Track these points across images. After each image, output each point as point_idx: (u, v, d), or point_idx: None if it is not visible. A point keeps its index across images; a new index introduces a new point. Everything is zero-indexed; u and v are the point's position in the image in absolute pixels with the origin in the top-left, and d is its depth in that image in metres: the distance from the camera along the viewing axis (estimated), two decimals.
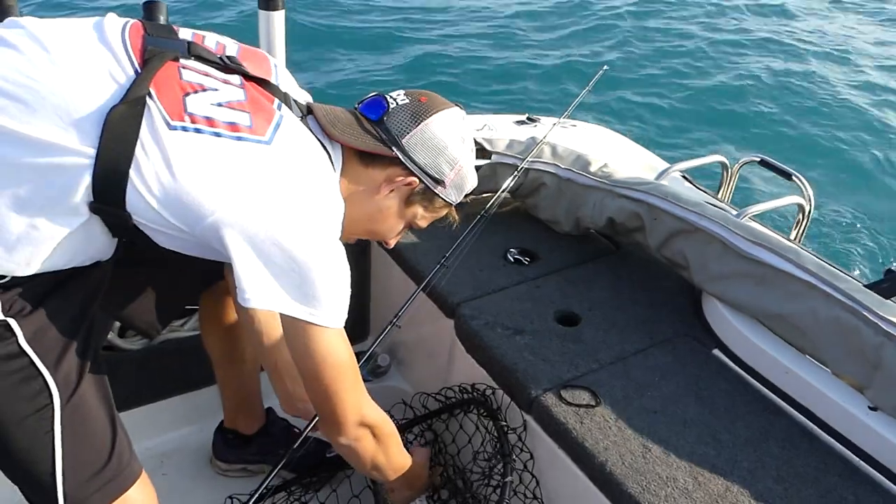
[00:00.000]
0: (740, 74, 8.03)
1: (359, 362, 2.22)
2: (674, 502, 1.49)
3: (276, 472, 1.66)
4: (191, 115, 1.17)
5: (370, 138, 1.38)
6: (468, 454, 1.90)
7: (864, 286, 1.84)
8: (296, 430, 2.06)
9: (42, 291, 1.24)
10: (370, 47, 7.97)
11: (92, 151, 1.12)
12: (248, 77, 1.30)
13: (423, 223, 1.54)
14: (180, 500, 2.02)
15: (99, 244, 1.26)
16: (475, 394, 1.90)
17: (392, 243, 1.59)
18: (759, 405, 1.77)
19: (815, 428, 1.72)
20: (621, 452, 1.59)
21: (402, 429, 1.96)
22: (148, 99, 1.15)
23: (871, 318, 1.69)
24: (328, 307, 1.24)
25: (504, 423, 1.80)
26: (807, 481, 1.56)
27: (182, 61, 1.23)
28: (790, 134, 6.85)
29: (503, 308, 2.01)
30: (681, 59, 8.35)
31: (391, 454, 1.55)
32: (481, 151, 2.39)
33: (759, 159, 2.81)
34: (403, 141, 1.39)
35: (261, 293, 1.19)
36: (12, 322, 1.21)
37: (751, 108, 7.25)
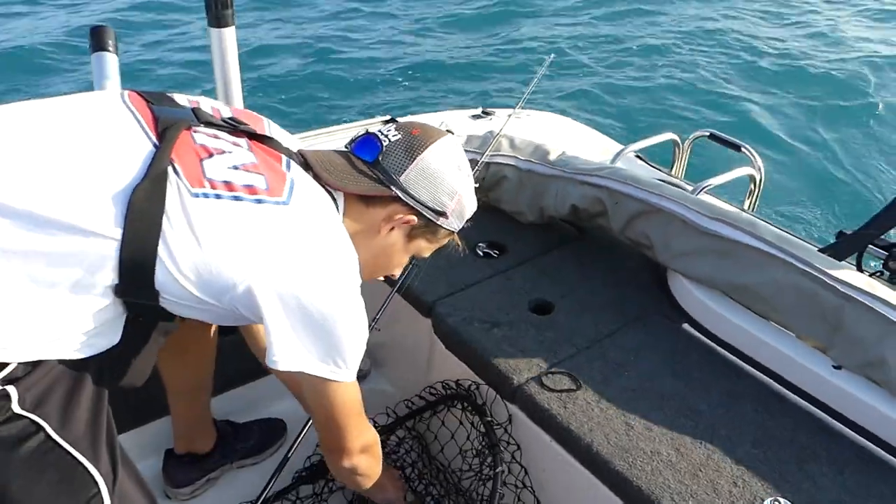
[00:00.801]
0: (684, 54, 8.19)
1: None
2: (659, 475, 1.56)
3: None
4: (210, 180, 1.16)
5: (368, 181, 1.37)
6: (454, 450, 1.95)
7: (819, 250, 1.93)
8: (231, 421, 2.17)
9: (57, 376, 1.16)
10: (316, 54, 7.95)
11: (118, 232, 1.09)
12: (251, 137, 1.30)
13: (426, 254, 1.54)
14: None
15: (111, 326, 1.20)
16: (460, 390, 1.94)
17: (397, 274, 1.60)
18: (731, 373, 1.85)
19: (785, 391, 1.80)
20: (605, 432, 1.66)
21: (388, 430, 2.00)
22: (170, 170, 1.13)
23: (828, 282, 1.77)
24: (349, 363, 1.28)
25: (490, 419, 1.85)
26: (782, 443, 1.65)
27: (194, 128, 1.23)
28: (737, 106, 7.01)
29: (478, 302, 2.06)
30: (626, 44, 8.48)
31: (378, 467, 1.60)
32: None
33: (708, 134, 2.90)
34: (401, 179, 1.37)
35: (288, 355, 1.21)
36: (34, 417, 1.12)
37: (698, 86, 7.41)
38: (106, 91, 1.27)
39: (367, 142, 1.40)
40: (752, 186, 2.73)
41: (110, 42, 2.01)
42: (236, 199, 1.16)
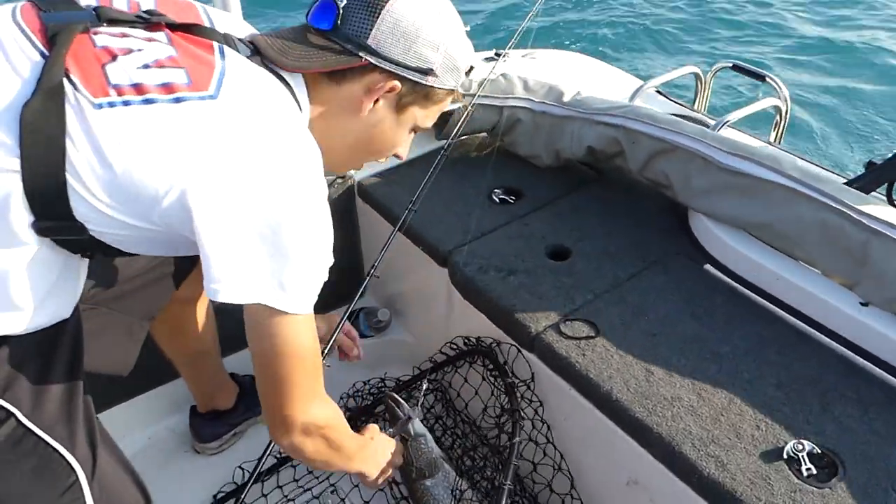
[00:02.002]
0: None
1: (352, 318, 2.23)
2: (681, 420, 1.53)
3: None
4: (116, 86, 0.98)
5: (330, 54, 1.16)
6: (478, 405, 1.95)
7: (845, 184, 1.86)
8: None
9: (24, 357, 1.08)
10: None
11: (15, 162, 0.94)
12: (175, 28, 1.10)
13: (428, 122, 1.32)
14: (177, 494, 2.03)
15: (65, 273, 1.09)
16: (481, 346, 1.92)
17: (404, 154, 1.37)
18: (754, 315, 1.80)
19: (811, 330, 1.75)
20: (625, 378, 1.63)
21: (409, 384, 2.00)
22: (65, 82, 0.96)
23: (854, 216, 1.71)
24: (301, 291, 1.08)
25: (511, 379, 1.82)
26: (807, 383, 1.61)
27: (93, 30, 1.03)
28: (761, 37, 6.77)
29: (494, 250, 2.02)
30: None
31: (344, 448, 1.38)
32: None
33: (731, 65, 2.80)
34: (369, 41, 1.16)
35: (233, 284, 1.03)
36: (2, 402, 1.05)
37: (719, 16, 7.15)
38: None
39: (322, 7, 1.18)
40: (778, 118, 2.64)
41: None
42: (148, 101, 0.99)
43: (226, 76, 1.05)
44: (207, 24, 1.15)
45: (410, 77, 1.20)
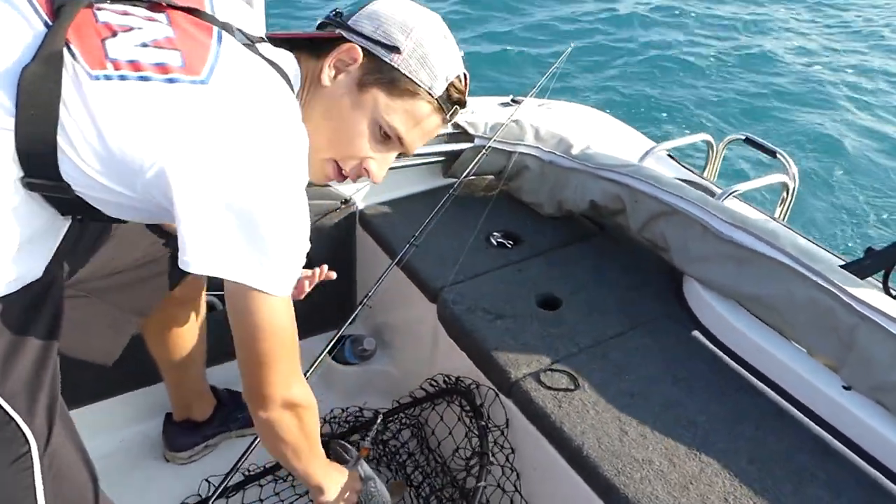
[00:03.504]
0: (722, 51, 7.99)
1: (336, 345, 2.24)
2: (649, 484, 1.52)
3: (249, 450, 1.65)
4: (113, 60, 1.02)
5: (315, 30, 1.23)
6: (451, 445, 1.94)
7: (841, 266, 1.86)
8: (232, 389, 2.14)
9: (2, 324, 1.10)
10: None
11: (10, 121, 0.99)
12: (177, 10, 1.13)
13: (392, 117, 1.24)
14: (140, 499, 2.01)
15: (44, 229, 1.13)
16: (459, 386, 1.92)
17: (376, 170, 1.29)
18: (735, 385, 1.79)
19: (790, 407, 1.74)
20: (598, 435, 1.62)
21: (388, 415, 1.99)
22: (65, 52, 1.00)
23: (845, 298, 1.71)
24: (279, 272, 1.11)
25: (485, 423, 1.81)
26: (780, 460, 1.59)
27: (97, 5, 1.07)
28: (778, 110, 6.83)
29: (485, 292, 2.03)
30: (663, 36, 8.31)
31: (312, 440, 1.38)
32: (464, 135, 2.41)
33: (743, 137, 2.82)
34: (350, 21, 1.22)
35: (204, 253, 1.05)
36: None
37: (738, 86, 7.23)
38: None
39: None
40: (785, 194, 2.65)
41: None
42: (143, 79, 1.03)
43: (219, 62, 1.09)
44: (209, 10, 1.17)
45: (374, 51, 1.21)
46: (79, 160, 1.03)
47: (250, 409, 1.28)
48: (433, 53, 1.22)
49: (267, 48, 1.19)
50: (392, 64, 1.20)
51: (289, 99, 1.16)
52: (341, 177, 1.30)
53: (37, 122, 0.99)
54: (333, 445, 1.69)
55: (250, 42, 1.17)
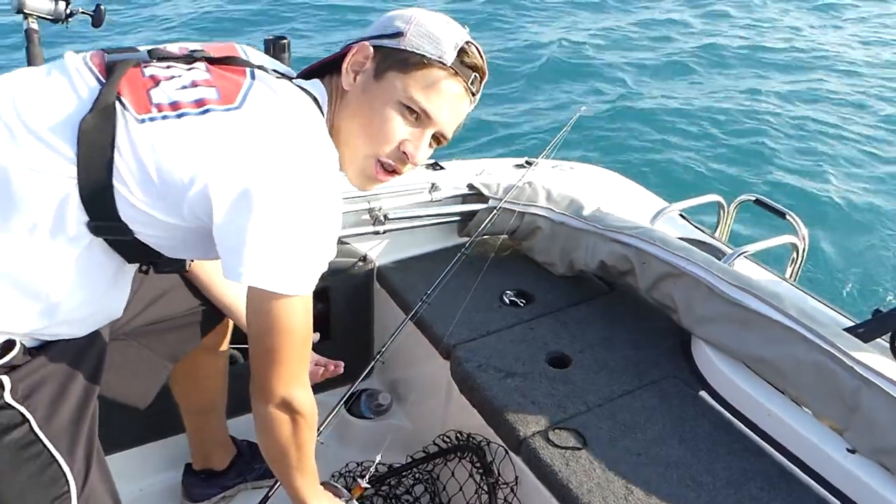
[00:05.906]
0: (735, 111, 8.06)
1: (353, 399, 2.29)
2: None
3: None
4: (157, 104, 1.15)
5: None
6: (461, 501, 1.98)
7: (845, 329, 1.90)
8: (252, 441, 2.18)
9: (53, 369, 1.21)
10: None
11: (73, 169, 1.11)
12: (213, 62, 1.26)
13: (417, 95, 1.29)
14: None
15: (112, 282, 1.23)
16: (471, 443, 1.97)
17: (414, 152, 1.32)
18: (742, 447, 1.82)
19: (795, 469, 1.77)
20: (604, 495, 1.66)
21: (401, 471, 2.04)
22: (116, 103, 1.13)
23: (847, 362, 1.74)
24: (303, 274, 1.18)
25: (494, 480, 1.86)
26: None
27: (144, 64, 1.21)
28: (790, 168, 6.85)
29: (496, 350, 2.09)
30: (676, 95, 8.40)
31: (304, 451, 1.38)
32: (479, 196, 2.49)
33: (753, 199, 2.88)
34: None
35: (253, 267, 1.13)
36: (21, 408, 1.17)
37: (750, 147, 7.27)
38: (67, 54, 1.24)
39: None
40: (795, 255, 2.69)
41: (285, 56, 2.20)
42: (181, 115, 1.15)
43: (251, 91, 1.20)
44: (243, 57, 1.30)
45: (382, 43, 1.30)
46: (130, 196, 1.14)
47: (253, 404, 1.31)
48: (436, 29, 1.30)
49: (298, 81, 1.31)
50: (399, 46, 1.28)
51: (315, 116, 1.26)
52: (385, 172, 1.35)
53: (94, 167, 1.11)
54: (327, 487, 1.67)
55: (282, 75, 1.29)
